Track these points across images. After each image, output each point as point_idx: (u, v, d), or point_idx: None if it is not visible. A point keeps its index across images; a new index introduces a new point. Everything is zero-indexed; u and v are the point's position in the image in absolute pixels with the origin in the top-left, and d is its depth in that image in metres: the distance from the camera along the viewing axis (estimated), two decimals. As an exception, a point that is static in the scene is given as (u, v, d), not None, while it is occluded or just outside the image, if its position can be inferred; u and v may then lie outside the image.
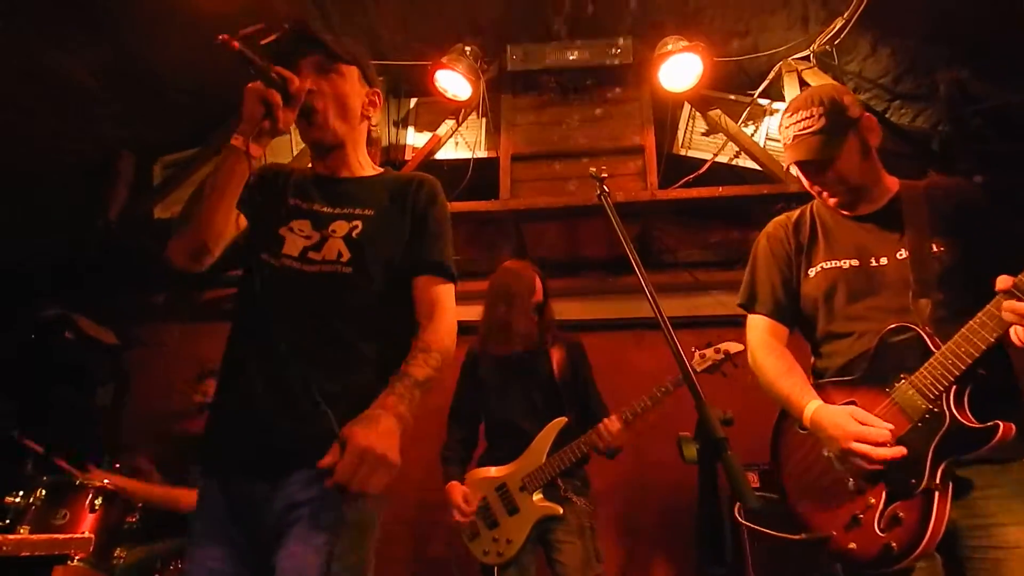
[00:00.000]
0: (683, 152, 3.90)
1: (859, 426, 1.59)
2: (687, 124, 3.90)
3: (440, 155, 3.98)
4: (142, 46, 3.52)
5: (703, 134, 3.86)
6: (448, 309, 1.57)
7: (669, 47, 3.40)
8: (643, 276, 1.39)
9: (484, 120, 3.96)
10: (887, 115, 3.88)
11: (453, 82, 3.70)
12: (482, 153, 3.93)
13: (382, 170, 1.77)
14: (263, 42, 1.49)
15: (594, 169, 1.73)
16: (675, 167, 3.82)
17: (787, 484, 1.83)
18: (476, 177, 3.90)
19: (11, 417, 3.68)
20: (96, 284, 4.37)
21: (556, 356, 2.84)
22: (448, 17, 3.67)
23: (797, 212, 1.98)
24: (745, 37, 3.67)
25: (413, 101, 4.14)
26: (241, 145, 1.47)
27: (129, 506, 2.72)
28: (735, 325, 4.08)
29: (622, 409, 2.64)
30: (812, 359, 1.92)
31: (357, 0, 3.56)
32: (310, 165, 1.77)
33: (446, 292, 1.60)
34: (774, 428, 1.92)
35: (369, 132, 1.85)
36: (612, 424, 2.59)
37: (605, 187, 1.69)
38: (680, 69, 3.49)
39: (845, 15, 3.32)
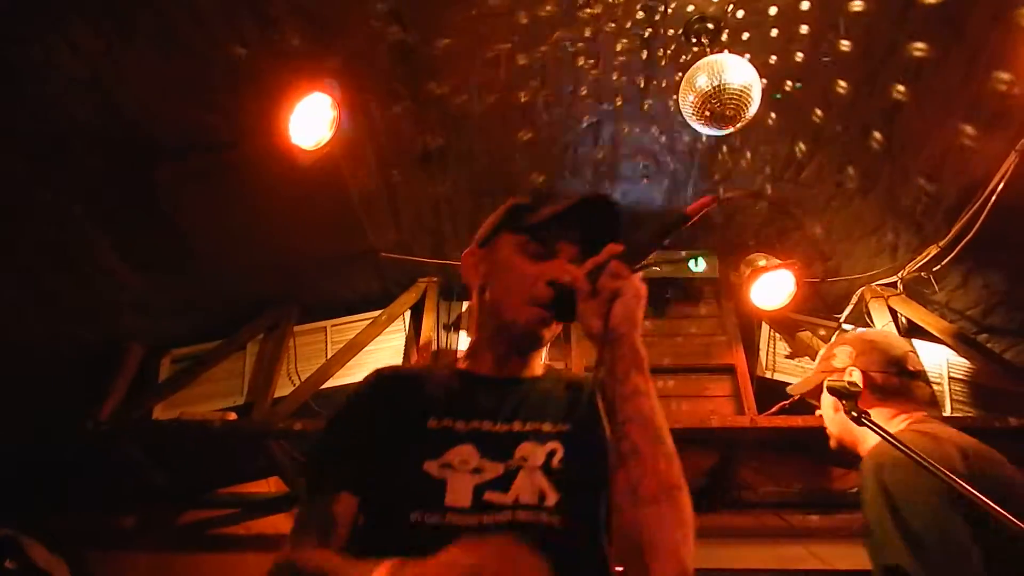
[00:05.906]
0: (767, 375, 3.56)
1: None
2: (767, 345, 3.61)
3: (497, 365, 3.56)
4: (190, 236, 3.19)
5: (787, 356, 3.55)
6: None
7: (763, 263, 3.20)
8: None
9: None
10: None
11: (521, 288, 3.41)
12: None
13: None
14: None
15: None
16: (759, 391, 3.45)
17: None
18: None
19: None
20: (62, 496, 3.58)
21: None
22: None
23: None
24: (828, 261, 3.53)
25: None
26: None
27: None
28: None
29: None
30: None
31: (431, 206, 3.38)
32: (459, 366, 1.24)
33: None
34: None
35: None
36: None
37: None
38: (770, 287, 3.27)
39: (940, 243, 3.21)
